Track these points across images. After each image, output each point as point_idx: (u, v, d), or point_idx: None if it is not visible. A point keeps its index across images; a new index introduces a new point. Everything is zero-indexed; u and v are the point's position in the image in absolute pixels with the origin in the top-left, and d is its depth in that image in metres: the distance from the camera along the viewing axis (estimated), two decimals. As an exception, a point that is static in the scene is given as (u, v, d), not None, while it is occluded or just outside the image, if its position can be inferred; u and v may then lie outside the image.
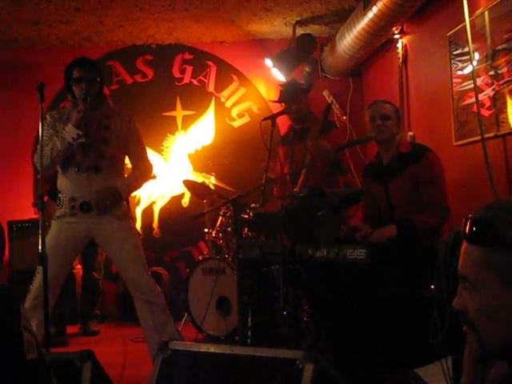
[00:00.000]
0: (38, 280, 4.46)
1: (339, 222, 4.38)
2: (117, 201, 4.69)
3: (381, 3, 5.52)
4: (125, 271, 4.74)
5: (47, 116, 4.71)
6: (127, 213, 4.90)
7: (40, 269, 4.22)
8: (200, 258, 6.64)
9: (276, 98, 6.27)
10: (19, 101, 7.88)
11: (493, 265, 1.71)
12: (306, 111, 5.67)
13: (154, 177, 7.53)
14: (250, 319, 5.41)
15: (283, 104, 5.73)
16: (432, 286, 3.95)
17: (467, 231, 1.75)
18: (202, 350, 3.15)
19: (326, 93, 7.94)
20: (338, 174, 5.36)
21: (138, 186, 5.10)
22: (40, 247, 4.01)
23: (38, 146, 4.50)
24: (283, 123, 6.61)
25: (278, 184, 5.96)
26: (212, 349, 3.14)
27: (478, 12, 4.86)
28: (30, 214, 7.67)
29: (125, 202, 4.90)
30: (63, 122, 4.64)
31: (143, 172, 4.95)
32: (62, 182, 4.72)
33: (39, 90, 4.21)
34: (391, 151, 4.61)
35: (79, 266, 7.16)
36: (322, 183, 5.06)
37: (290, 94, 5.67)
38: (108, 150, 4.67)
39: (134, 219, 5.25)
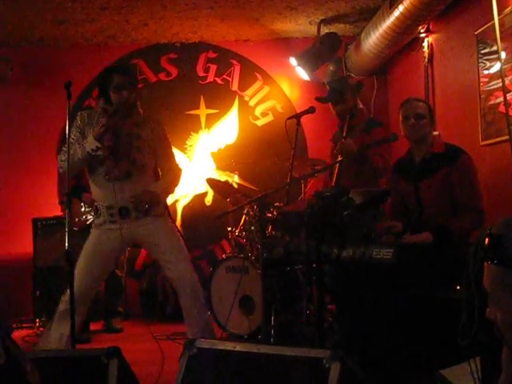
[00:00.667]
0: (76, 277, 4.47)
1: (368, 221, 4.35)
2: (155, 203, 4.75)
3: (407, 2, 5.49)
4: (169, 267, 4.79)
5: (77, 117, 4.74)
6: (164, 212, 4.92)
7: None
8: (223, 256, 6.63)
9: (315, 97, 6.20)
10: (44, 99, 7.93)
11: (505, 284, 1.70)
12: (352, 110, 5.63)
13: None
14: (273, 318, 5.41)
15: (331, 104, 5.70)
16: (457, 287, 3.94)
17: (485, 248, 1.75)
18: (227, 348, 3.16)
19: (350, 91, 7.93)
20: (377, 178, 5.33)
21: (171, 191, 5.19)
22: (66, 244, 4.04)
23: (64, 148, 4.60)
24: (308, 122, 6.60)
25: (322, 181, 5.94)
26: (238, 347, 3.14)
27: (507, 10, 4.82)
28: (55, 211, 7.72)
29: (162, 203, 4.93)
30: (92, 126, 4.66)
31: (175, 177, 5.01)
32: (96, 192, 4.78)
33: (66, 88, 4.22)
34: (424, 150, 4.55)
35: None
36: (356, 182, 5.04)
37: (336, 94, 5.65)
38: (140, 157, 4.70)
39: (172, 218, 5.25)
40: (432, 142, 4.59)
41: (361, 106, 5.83)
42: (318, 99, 6.05)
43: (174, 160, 5.06)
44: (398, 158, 4.96)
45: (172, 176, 4.98)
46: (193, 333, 4.85)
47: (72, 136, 4.63)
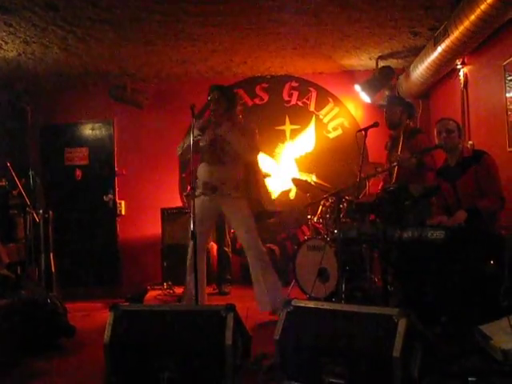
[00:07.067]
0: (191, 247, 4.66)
1: (423, 209, 4.29)
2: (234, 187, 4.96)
3: (448, 41, 5.38)
4: (240, 235, 4.99)
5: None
6: (243, 195, 5.00)
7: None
8: (305, 237, 6.60)
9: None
10: (168, 120, 8.09)
11: None
12: (396, 121, 5.58)
13: (269, 175, 7.55)
14: (343, 285, 5.35)
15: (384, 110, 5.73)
16: (491, 262, 3.84)
17: None
18: (317, 306, 3.15)
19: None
20: (427, 172, 5.25)
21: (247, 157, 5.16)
22: (192, 227, 4.11)
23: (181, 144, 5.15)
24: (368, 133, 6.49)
25: (382, 179, 5.87)
26: (325, 305, 3.13)
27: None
28: (177, 203, 7.89)
29: (242, 188, 5.05)
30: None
31: (252, 150, 5.07)
32: (199, 171, 4.97)
33: (191, 109, 4.30)
34: (456, 156, 4.57)
35: (212, 243, 7.27)
36: (412, 179, 4.97)
37: (388, 103, 5.66)
38: (230, 149, 4.80)
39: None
40: (462, 149, 4.60)
41: (408, 122, 5.73)
42: (377, 106, 6.06)
43: (255, 144, 5.11)
44: (438, 167, 4.93)
45: (250, 149, 5.03)
46: (258, 291, 4.91)
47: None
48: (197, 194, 4.91)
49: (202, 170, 4.94)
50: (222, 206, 4.99)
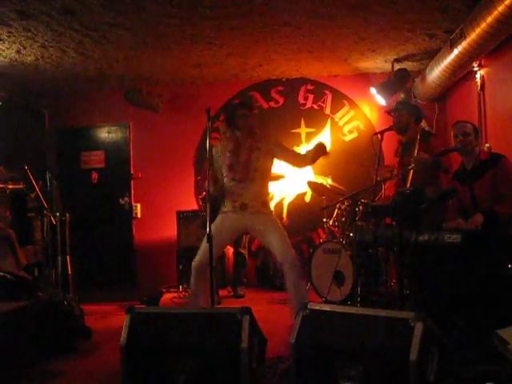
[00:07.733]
0: (201, 250, 4.54)
1: (440, 212, 4.26)
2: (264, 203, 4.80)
3: (465, 43, 5.34)
4: (273, 247, 4.81)
5: (213, 149, 4.77)
6: (271, 211, 4.95)
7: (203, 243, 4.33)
8: (321, 240, 6.57)
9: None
10: (184, 123, 8.12)
11: None
12: (404, 125, 5.51)
13: (283, 176, 7.53)
14: (359, 288, 5.34)
15: (392, 114, 5.65)
16: (509, 266, 3.80)
17: None
18: (333, 309, 3.13)
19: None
20: (441, 174, 5.20)
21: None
22: (208, 229, 4.09)
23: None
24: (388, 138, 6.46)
25: (393, 184, 5.82)
26: (340, 309, 3.11)
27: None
28: (192, 205, 7.89)
29: (270, 204, 4.94)
30: (223, 154, 4.75)
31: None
32: (226, 190, 4.76)
33: (207, 112, 4.27)
34: (473, 159, 4.53)
35: (228, 246, 7.28)
36: (427, 181, 4.93)
37: (395, 108, 5.60)
38: (259, 164, 4.71)
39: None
40: (479, 152, 4.56)
41: (421, 126, 5.69)
42: (385, 111, 6.05)
43: (294, 150, 5.04)
44: (455, 170, 4.89)
45: (300, 156, 5.01)
46: (295, 299, 4.85)
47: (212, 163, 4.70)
48: (224, 210, 4.83)
49: (230, 189, 4.76)
50: (250, 224, 4.84)
